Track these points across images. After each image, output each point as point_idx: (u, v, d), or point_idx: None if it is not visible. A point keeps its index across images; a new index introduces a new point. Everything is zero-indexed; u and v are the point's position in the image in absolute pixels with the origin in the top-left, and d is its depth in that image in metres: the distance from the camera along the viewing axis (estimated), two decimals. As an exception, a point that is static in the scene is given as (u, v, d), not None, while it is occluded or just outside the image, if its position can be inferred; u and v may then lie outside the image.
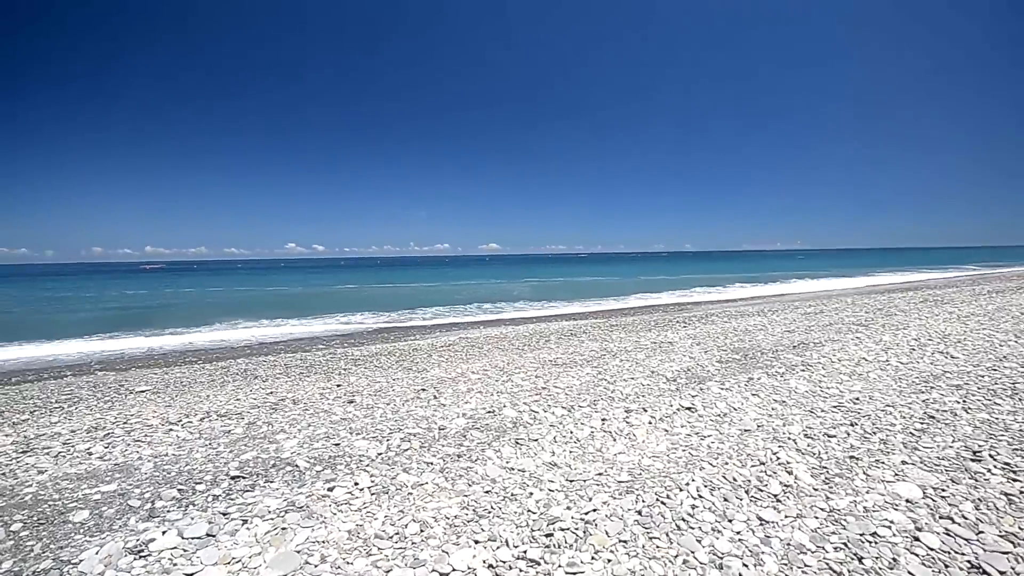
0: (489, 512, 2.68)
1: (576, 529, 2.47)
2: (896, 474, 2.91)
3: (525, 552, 2.28)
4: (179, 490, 2.99)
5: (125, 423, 4.73)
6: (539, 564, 2.21)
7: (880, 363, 5.52)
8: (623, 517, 2.58)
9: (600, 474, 3.12)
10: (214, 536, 2.48)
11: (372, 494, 2.89)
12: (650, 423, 4.01)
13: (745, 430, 3.79)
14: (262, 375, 7.05)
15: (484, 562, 2.22)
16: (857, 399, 4.33)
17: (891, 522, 2.43)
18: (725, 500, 2.74)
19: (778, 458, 3.23)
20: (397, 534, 2.48)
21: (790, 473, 3.01)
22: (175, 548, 2.38)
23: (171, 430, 4.41)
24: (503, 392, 5.20)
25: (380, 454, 3.48)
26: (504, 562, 2.22)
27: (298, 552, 2.34)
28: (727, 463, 3.20)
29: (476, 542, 2.38)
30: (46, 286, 44.32)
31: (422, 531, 2.50)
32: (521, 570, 2.17)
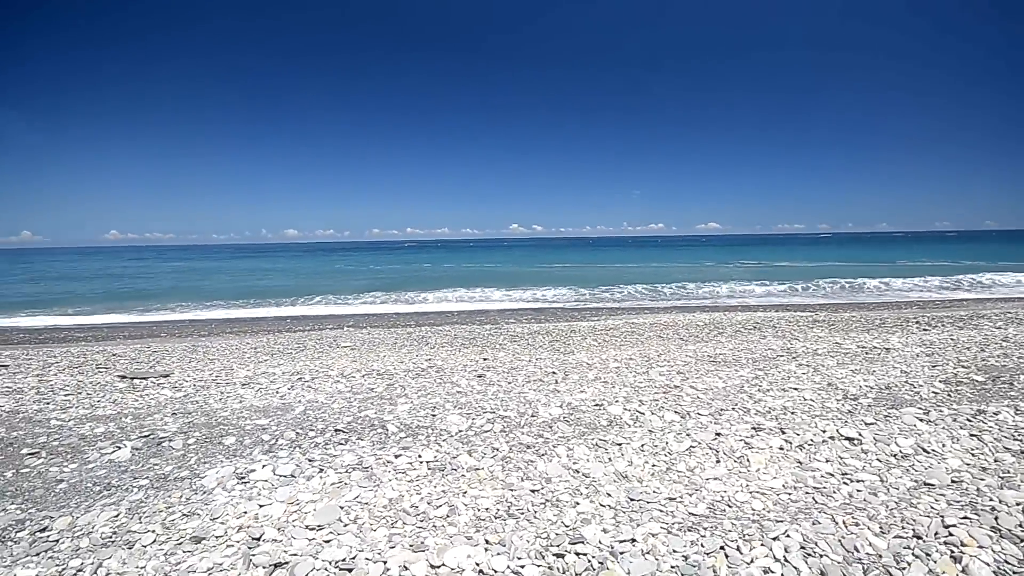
0: (521, 513, 2.51)
1: (594, 557, 2.13)
2: None
3: (522, 568, 2.07)
4: (297, 433, 3.60)
5: (315, 371, 5.90)
6: (529, 585, 1.99)
7: None
8: (660, 558, 2.12)
9: (672, 499, 2.62)
10: (295, 478, 2.91)
11: (429, 469, 3.00)
12: (780, 449, 3.18)
13: (924, 483, 2.71)
14: (432, 343, 7.95)
15: (476, 565, 2.09)
16: None
17: None
18: (821, 575, 2.01)
19: (950, 533, 2.22)
20: (424, 513, 2.52)
21: (956, 560, 2.04)
22: (265, 481, 2.88)
23: (337, 381, 5.32)
24: (628, 385, 4.78)
25: (460, 431, 3.58)
26: (495, 571, 2.05)
27: (340, 508, 2.57)
28: (858, 523, 2.34)
29: (486, 541, 2.26)
30: (340, 258, 58.07)
31: (447, 516, 2.49)
32: (506, 586, 1.98)
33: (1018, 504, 2.44)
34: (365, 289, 22.26)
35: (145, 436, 3.60)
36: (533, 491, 2.73)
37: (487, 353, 6.93)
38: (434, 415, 3.95)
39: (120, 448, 3.39)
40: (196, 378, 5.67)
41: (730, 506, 2.55)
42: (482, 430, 3.60)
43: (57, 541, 2.34)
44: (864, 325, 8.30)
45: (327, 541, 2.29)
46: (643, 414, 3.86)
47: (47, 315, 15.49)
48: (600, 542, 2.23)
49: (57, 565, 2.14)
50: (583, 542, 2.23)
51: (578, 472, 2.94)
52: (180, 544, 2.30)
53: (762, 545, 2.19)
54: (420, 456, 3.14)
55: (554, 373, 5.46)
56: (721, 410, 3.90)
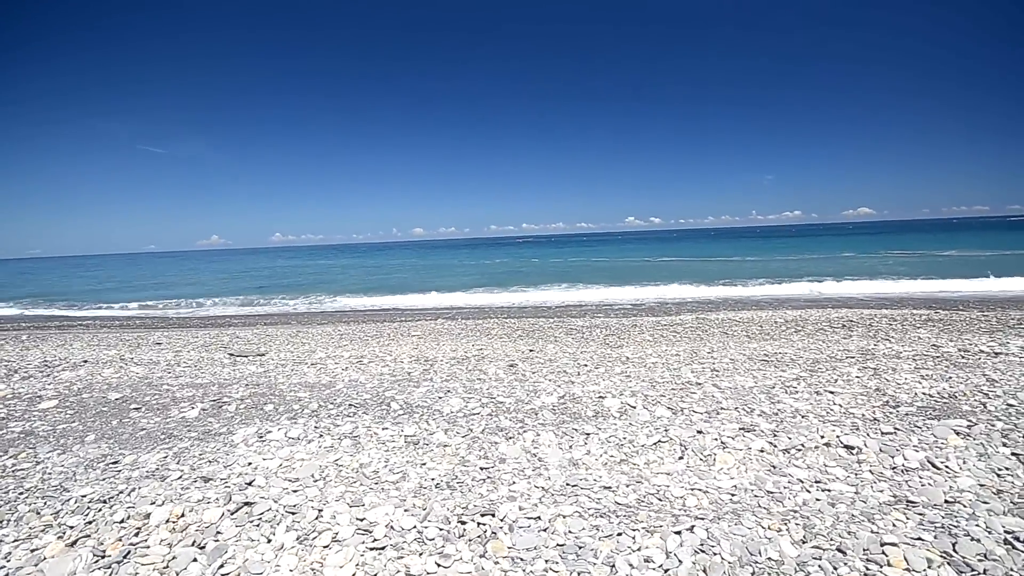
0: (460, 485, 2.75)
1: (493, 528, 2.30)
2: None
3: (425, 528, 2.32)
4: (320, 405, 4.20)
5: (375, 356, 6.62)
6: (423, 543, 2.23)
7: None
8: (553, 536, 2.23)
9: (607, 487, 2.67)
10: (299, 440, 3.46)
11: (406, 442, 3.35)
12: (760, 451, 3.00)
13: (906, 500, 2.43)
14: (493, 334, 8.35)
15: (389, 521, 2.39)
16: None
17: None
18: (703, 573, 1.98)
19: (884, 553, 2.01)
20: (379, 477, 2.87)
21: (863, 578, 1.87)
22: (276, 441, 3.46)
23: (386, 365, 5.94)
24: (646, 380, 4.69)
25: (452, 412, 3.88)
26: (401, 529, 2.33)
27: (320, 467, 3.03)
28: (783, 530, 2.20)
29: (413, 505, 2.55)
30: (458, 254, 61.68)
31: (396, 482, 2.82)
32: (403, 543, 2.24)
33: (1007, 532, 2.10)
34: (472, 284, 23.42)
35: (214, 400, 4.46)
36: (482, 468, 2.95)
37: (537, 345, 7.13)
38: (441, 397, 4.30)
39: (193, 408, 4.26)
40: (282, 358, 6.71)
41: (660, 500, 2.53)
42: (472, 412, 3.87)
43: (119, 471, 3.10)
44: (991, 326, 6.94)
45: (294, 491, 2.75)
46: (635, 408, 3.82)
47: (214, 306, 18.91)
48: (507, 516, 2.40)
49: (110, 487, 2.88)
50: (492, 515, 2.42)
51: (534, 456, 3.09)
52: (194, 481, 2.92)
53: (660, 537, 2.18)
54: (403, 431, 3.51)
55: (585, 366, 5.52)
56: (721, 409, 3.72)
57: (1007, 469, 2.64)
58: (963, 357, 5.11)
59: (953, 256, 27.96)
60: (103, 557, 2.26)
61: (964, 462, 2.74)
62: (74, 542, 2.38)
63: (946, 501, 2.40)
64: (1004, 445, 2.89)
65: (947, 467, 2.70)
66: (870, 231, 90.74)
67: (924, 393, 3.93)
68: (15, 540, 2.41)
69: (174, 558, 2.23)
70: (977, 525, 2.17)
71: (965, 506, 2.34)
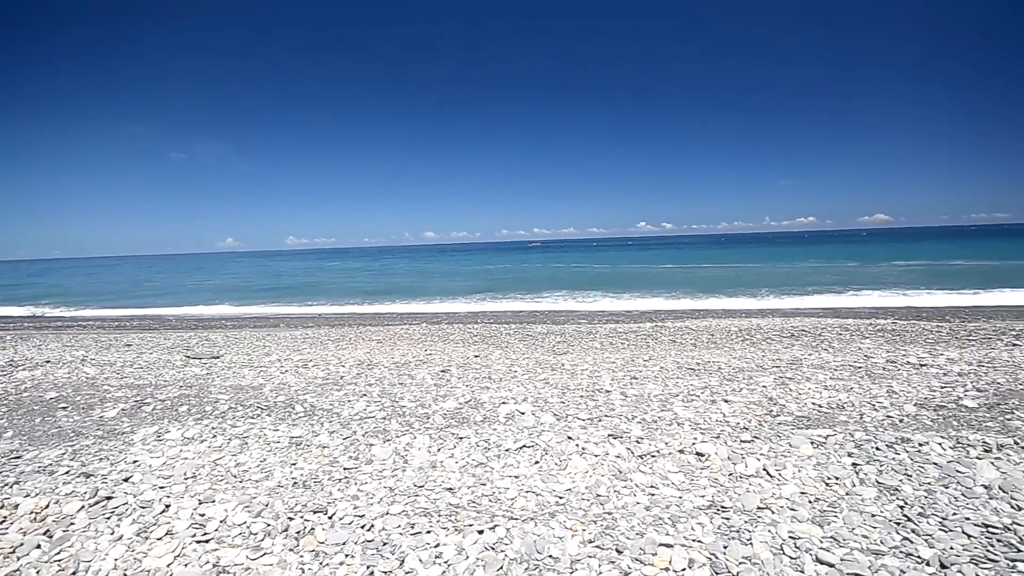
0: (316, 484, 2.89)
1: (316, 524, 2.44)
2: None
3: (254, 524, 2.47)
4: (231, 407, 4.37)
5: (321, 360, 6.79)
6: (246, 538, 2.37)
7: None
8: (367, 532, 2.36)
9: (450, 488, 2.79)
10: (192, 440, 3.63)
11: (289, 443, 3.50)
12: (618, 457, 3.11)
13: (719, 506, 2.52)
14: (451, 339, 8.49)
15: (225, 518, 2.54)
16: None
17: None
18: (482, 568, 2.10)
19: (655, 552, 2.11)
20: (246, 476, 3.03)
21: (623, 575, 1.98)
22: (171, 440, 3.64)
23: (325, 369, 6.11)
24: (560, 387, 4.81)
25: (349, 416, 4.03)
26: (232, 524, 2.48)
27: (199, 465, 3.20)
28: (577, 531, 2.31)
29: (258, 503, 2.70)
30: (465, 259, 62.00)
31: (259, 481, 2.97)
32: (227, 536, 2.39)
33: (790, 538, 2.19)
34: (470, 291, 23.43)
35: (138, 401, 4.67)
36: (346, 469, 3.09)
37: (484, 351, 7.26)
38: (351, 401, 4.46)
39: (114, 408, 4.47)
40: (234, 361, 6.92)
41: (492, 501, 2.65)
42: (368, 416, 4.02)
43: (16, 466, 3.30)
44: (939, 337, 6.91)
45: (161, 487, 2.92)
46: (523, 414, 3.94)
47: (209, 305, 19.36)
48: (336, 514, 2.53)
49: (3, 481, 3.07)
50: (324, 512, 2.56)
51: (401, 458, 3.22)
52: (76, 476, 3.10)
53: (462, 536, 2.31)
54: (291, 433, 3.67)
55: (514, 373, 5.63)
56: (606, 416, 3.83)
57: (838, 479, 2.71)
58: (885, 368, 5.14)
59: (960, 266, 27.45)
60: (-39, 543, 2.44)
61: (800, 470, 2.82)
62: (-57, 530, 2.56)
63: (758, 507, 2.49)
64: (849, 455, 2.95)
65: (780, 475, 2.78)
66: (883, 239, 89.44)
67: (814, 403, 3.99)
68: None
69: (21, 545, 2.40)
70: (768, 531, 2.26)
71: (773, 512, 2.43)
